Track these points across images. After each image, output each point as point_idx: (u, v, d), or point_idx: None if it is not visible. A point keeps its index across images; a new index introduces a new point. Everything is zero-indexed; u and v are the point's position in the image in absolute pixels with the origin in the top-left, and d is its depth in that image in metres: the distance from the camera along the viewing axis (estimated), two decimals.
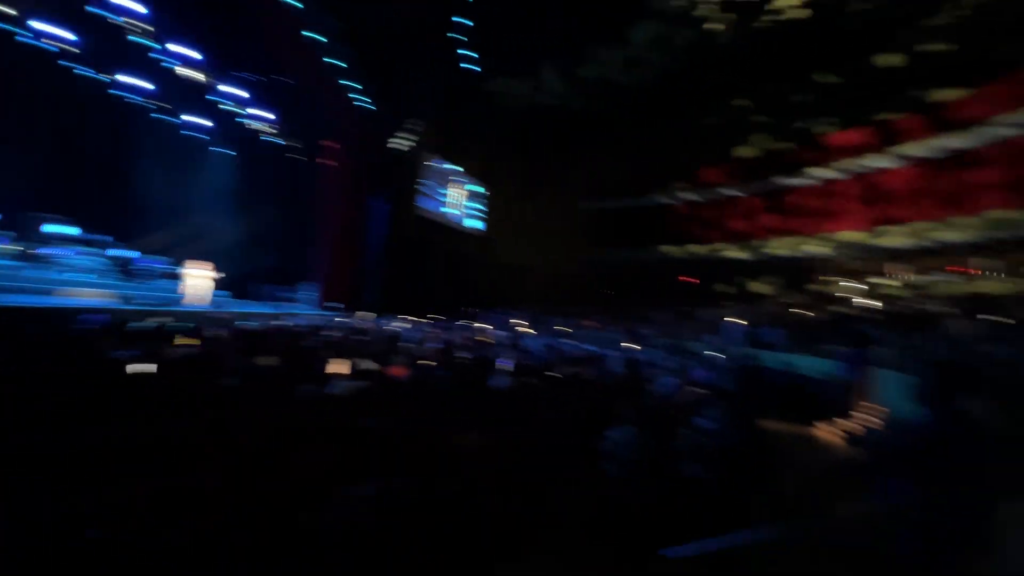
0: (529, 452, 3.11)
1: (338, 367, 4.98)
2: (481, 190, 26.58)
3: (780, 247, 21.68)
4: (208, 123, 15.53)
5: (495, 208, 27.23)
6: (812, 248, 20.54)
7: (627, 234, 27.89)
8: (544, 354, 8.88)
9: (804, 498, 2.01)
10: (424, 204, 22.12)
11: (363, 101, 18.96)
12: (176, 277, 14.21)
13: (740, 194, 23.38)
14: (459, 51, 20.35)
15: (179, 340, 6.27)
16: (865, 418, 7.69)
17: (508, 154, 27.81)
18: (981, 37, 15.33)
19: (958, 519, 1.92)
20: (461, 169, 24.84)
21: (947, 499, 1.94)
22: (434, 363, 6.05)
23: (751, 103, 21.41)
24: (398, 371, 5.11)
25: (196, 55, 13.87)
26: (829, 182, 20.30)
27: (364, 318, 16.09)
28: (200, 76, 14.34)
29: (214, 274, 13.32)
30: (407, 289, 21.16)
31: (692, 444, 4.61)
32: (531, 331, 17.28)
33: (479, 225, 26.70)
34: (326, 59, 16.80)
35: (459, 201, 25.09)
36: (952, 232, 15.98)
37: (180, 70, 14.07)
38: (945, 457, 1.96)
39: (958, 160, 16.30)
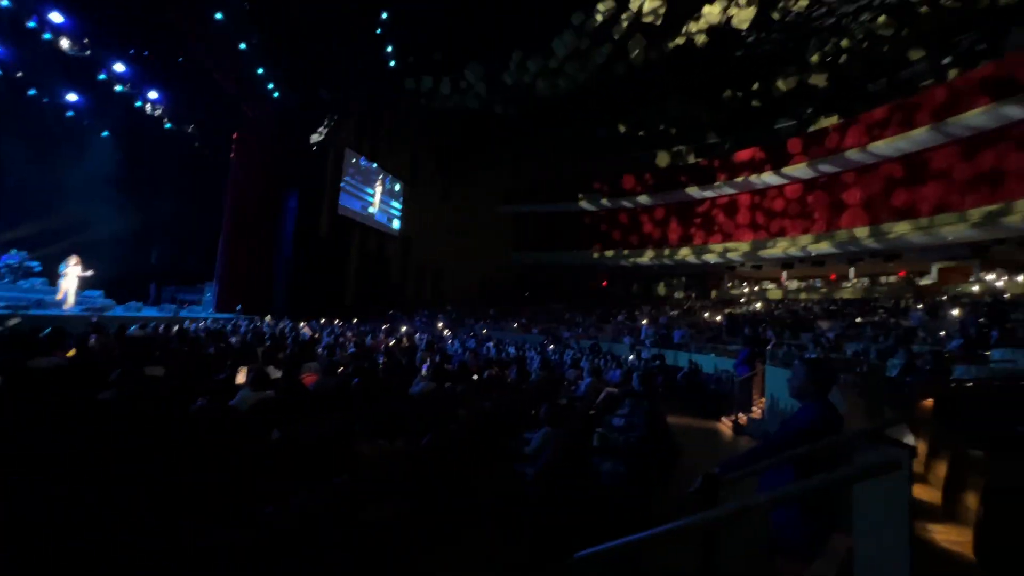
0: (445, 457, 3.05)
1: (240, 376, 4.59)
2: (401, 188, 25.96)
3: (686, 254, 23.35)
4: (92, 103, 13.62)
5: (417, 208, 26.71)
6: (714, 255, 22.34)
7: (546, 237, 28.65)
8: (465, 356, 8.83)
9: (699, 491, 2.14)
10: (343, 202, 21.15)
11: (279, 91, 17.77)
12: (44, 275, 12.38)
13: (651, 203, 24.88)
14: (383, 46, 19.78)
15: (49, 347, 5.45)
16: (755, 410, 8.48)
17: (431, 154, 27.48)
18: (856, 72, 17.62)
19: (828, 501, 2.16)
20: (380, 167, 24.07)
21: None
22: (349, 368, 5.78)
23: (660, 119, 22.93)
24: (309, 378, 4.81)
25: (74, 24, 12.13)
26: (729, 195, 22.23)
27: (273, 321, 15.05)
28: (80, 48, 12.57)
29: (89, 272, 11.71)
30: (321, 290, 20.11)
31: (605, 442, 4.82)
32: (452, 333, 17.14)
33: (400, 225, 26.02)
34: (240, 45, 15.55)
35: (380, 200, 24.29)
36: (828, 244, 18.14)
37: (57, 41, 12.23)
38: (815, 444, 2.19)
39: (833, 180, 18.58)
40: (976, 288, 14.81)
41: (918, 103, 15.55)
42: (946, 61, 15.76)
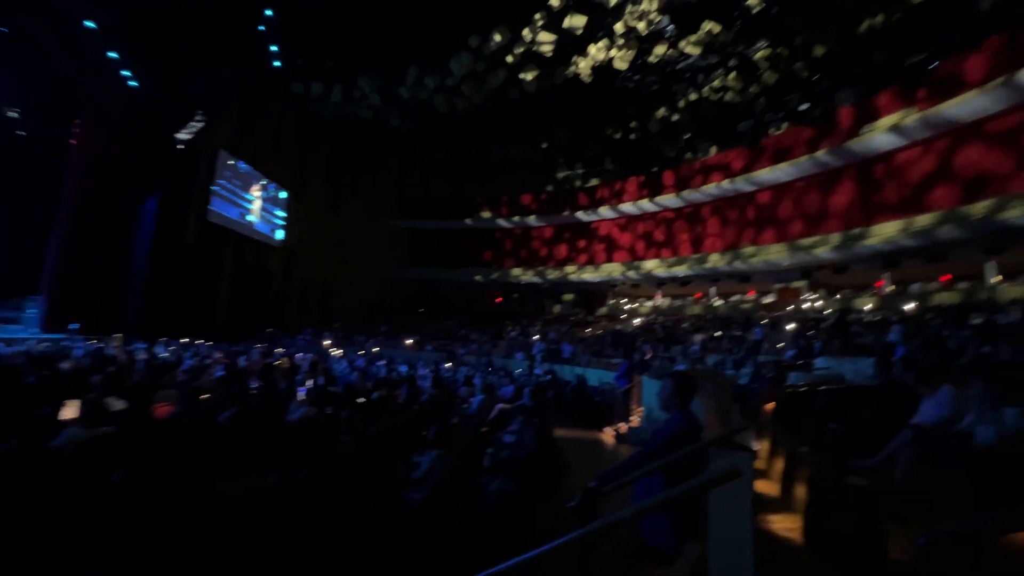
0: (323, 491, 2.85)
1: (70, 410, 3.87)
2: (286, 196, 24.15)
3: (574, 272, 24.72)
4: None
5: (304, 218, 25.02)
6: (598, 274, 23.93)
7: (442, 254, 28.55)
8: (353, 377, 8.38)
9: (579, 506, 2.23)
10: (215, 207, 19.09)
11: (137, 80, 15.67)
12: None
13: (543, 223, 26.03)
14: (266, 45, 18.48)
15: None
16: (633, 419, 9.14)
17: (320, 162, 26.04)
18: (715, 116, 20.20)
19: (691, 507, 2.38)
20: (262, 172, 22.23)
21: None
22: (216, 396, 5.18)
23: (551, 144, 24.25)
24: (163, 409, 4.20)
25: None
26: (612, 219, 24.06)
27: (119, 342, 12.99)
28: None
29: None
30: (186, 306, 17.84)
31: (496, 460, 4.85)
32: (340, 352, 16.20)
33: (284, 235, 24.14)
34: (87, 23, 13.46)
35: (261, 207, 22.34)
36: (689, 266, 20.40)
37: None
38: (679, 452, 2.42)
39: (697, 210, 21.02)
40: (805, 306, 17.59)
41: (763, 147, 18.30)
42: (779, 116, 18.78)
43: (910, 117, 13.58)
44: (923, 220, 13.52)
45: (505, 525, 3.24)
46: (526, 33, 16.01)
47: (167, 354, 10.29)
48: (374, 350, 17.94)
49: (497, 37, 15.91)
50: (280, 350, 14.81)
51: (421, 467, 3.69)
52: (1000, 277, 13.80)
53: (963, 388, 3.60)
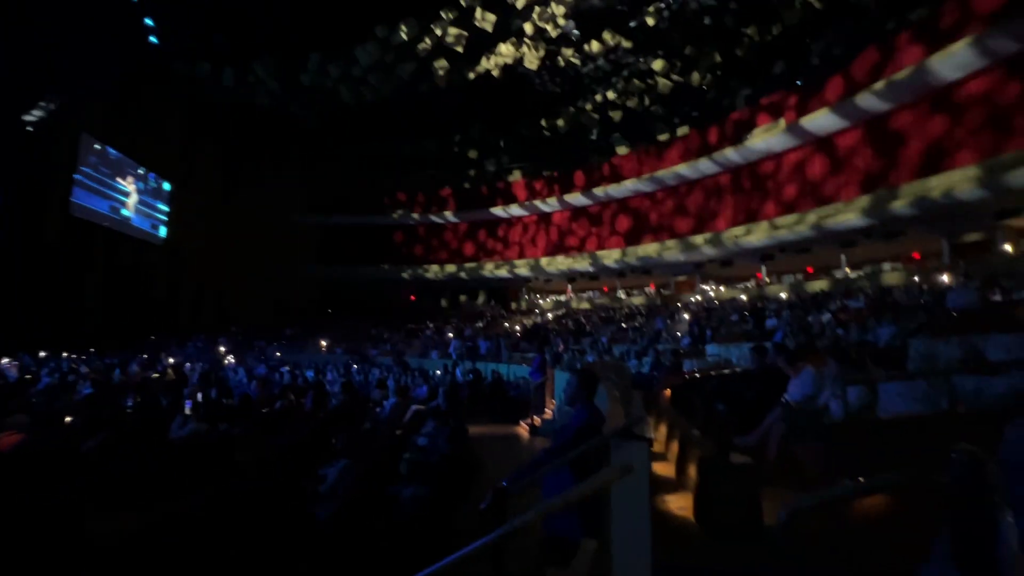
0: (215, 519, 2.61)
1: None
2: (169, 189, 21.69)
3: (489, 268, 24.90)
4: None
5: (192, 213, 22.64)
6: (512, 270, 24.32)
7: (353, 251, 27.32)
8: (251, 387, 7.75)
9: (489, 507, 2.26)
10: (80, 200, 16.63)
11: None
12: None
13: (457, 219, 25.90)
14: (141, 18, 16.43)
15: None
16: (547, 412, 9.43)
17: (211, 151, 23.70)
18: (617, 120, 21.26)
19: (595, 501, 2.50)
20: (138, 160, 19.77)
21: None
22: (80, 419, 4.53)
23: (464, 141, 24.14)
24: (7, 440, 3.57)
25: None
26: (524, 216, 24.54)
27: None
28: None
29: None
30: (46, 313, 15.41)
31: (410, 465, 4.76)
32: (236, 360, 14.95)
33: (167, 232, 21.69)
34: None
35: (137, 200, 19.85)
36: (608, 260, 21.45)
37: None
38: (584, 446, 2.54)
39: (604, 208, 22.10)
40: (699, 297, 19.24)
41: (655, 153, 19.70)
42: (675, 121, 20.28)
43: (778, 128, 15.35)
44: (789, 219, 15.38)
45: (420, 533, 3.19)
46: (436, 28, 15.75)
47: (13, 371, 8.83)
48: (277, 355, 16.78)
49: (405, 29, 15.48)
50: (168, 360, 13.32)
51: (328, 480, 3.51)
52: (848, 269, 16.07)
53: (821, 368, 4.14)
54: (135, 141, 19.31)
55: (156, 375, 9.85)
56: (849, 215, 13.56)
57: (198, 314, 22.77)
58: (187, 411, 5.16)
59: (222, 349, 17.53)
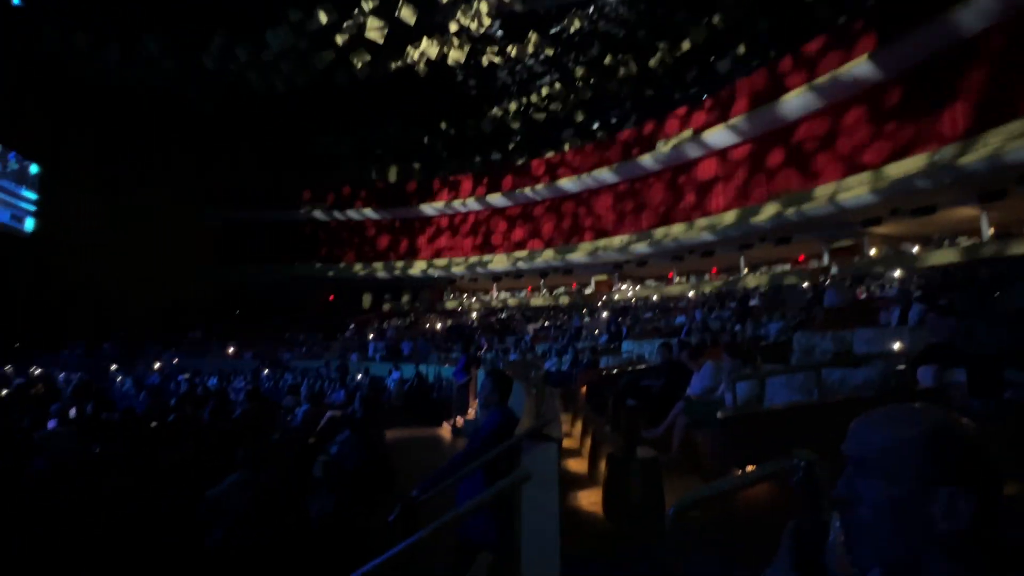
0: (84, 554, 2.28)
1: None
2: (37, 172, 18.87)
3: (412, 267, 24.37)
4: None
5: (66, 204, 19.91)
6: (437, 269, 23.99)
7: (262, 249, 25.50)
8: (139, 399, 6.96)
9: (398, 519, 2.18)
10: None
11: None
12: None
13: (378, 217, 25.07)
14: None
15: None
16: (470, 412, 9.39)
17: (87, 134, 20.94)
18: (541, 121, 21.67)
19: (504, 502, 2.50)
20: None
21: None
22: None
23: (384, 137, 23.42)
24: None
25: None
26: (449, 215, 24.30)
27: None
28: None
29: None
30: None
31: (320, 476, 4.51)
32: (123, 369, 13.40)
33: (33, 225, 18.88)
34: None
35: None
36: (532, 260, 21.80)
37: None
38: (495, 450, 2.53)
39: (528, 208, 22.46)
40: (616, 296, 20.15)
41: (577, 156, 20.39)
42: (595, 126, 21.10)
43: (686, 136, 16.50)
44: (701, 223, 16.58)
45: (326, 547, 3.02)
46: (354, 16, 15.11)
47: None
48: (173, 363, 15.25)
49: (322, 16, 14.68)
50: (36, 371, 11.59)
51: (218, 498, 3.21)
52: (747, 269, 17.61)
53: (720, 362, 4.46)
54: None
55: (18, 388, 8.54)
56: (757, 218, 14.86)
57: (75, 319, 20.06)
58: (49, 430, 4.51)
59: (110, 358, 15.63)
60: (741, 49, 16.85)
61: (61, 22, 15.45)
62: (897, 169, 11.84)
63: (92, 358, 15.62)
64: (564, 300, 21.82)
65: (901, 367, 3.12)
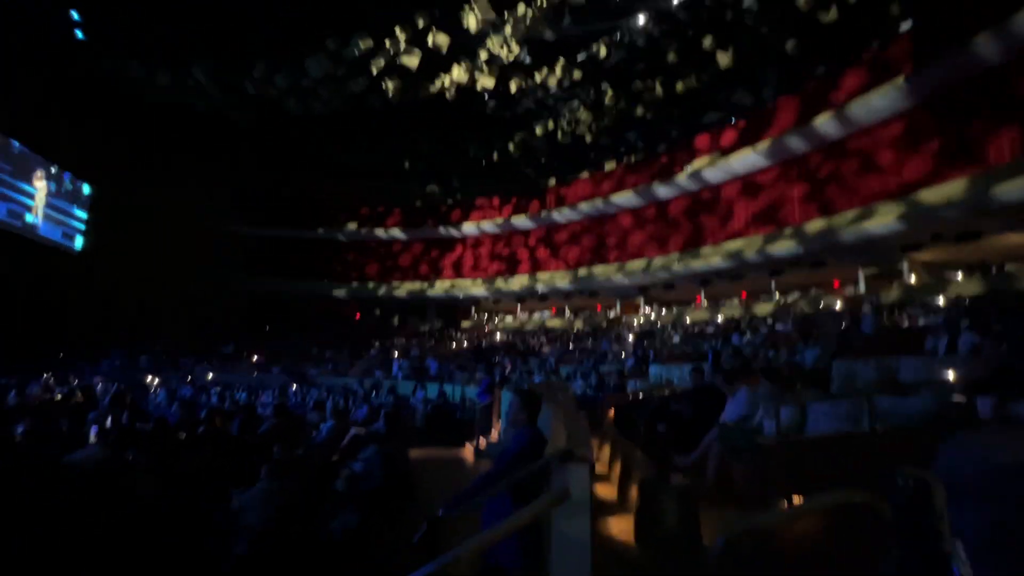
0: (106, 554, 2.29)
1: None
2: (90, 193, 19.91)
3: (437, 287, 24.58)
4: None
5: (110, 219, 20.84)
6: (462, 289, 24.14)
7: (293, 264, 26.14)
8: (171, 411, 7.11)
9: (423, 538, 2.12)
10: None
11: None
12: None
13: (405, 236, 25.50)
14: (64, 9, 15.31)
15: None
16: (494, 433, 9.27)
17: (132, 152, 22.02)
18: (570, 145, 21.84)
19: (537, 527, 2.41)
20: (50, 159, 18.11)
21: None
22: None
23: (414, 157, 23.94)
24: None
25: None
26: (476, 236, 24.54)
27: None
28: None
29: None
30: None
31: (343, 492, 4.48)
32: (159, 380, 13.79)
33: (84, 242, 19.85)
34: None
35: (45, 205, 18.07)
36: (556, 281, 21.74)
37: None
38: (524, 471, 2.46)
39: (553, 230, 22.51)
40: (642, 320, 19.83)
41: (604, 179, 20.41)
42: (622, 151, 21.13)
43: (714, 162, 16.35)
44: (731, 246, 16.27)
45: (348, 565, 2.97)
46: (388, 45, 15.67)
47: None
48: (207, 376, 15.62)
49: (360, 44, 15.29)
50: (76, 381, 12.03)
51: (242, 509, 3.21)
52: (778, 293, 17.14)
53: (755, 388, 4.29)
54: (53, 139, 17.69)
55: (60, 397, 8.86)
56: (784, 244, 14.51)
57: (115, 329, 20.82)
58: (92, 438, 4.63)
59: (145, 369, 16.13)
60: (770, 74, 16.75)
61: (117, 52, 16.51)
62: (933, 195, 11.44)
63: (129, 369, 16.13)
64: (590, 323, 21.60)
65: (958, 397, 2.93)
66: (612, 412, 5.68)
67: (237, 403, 9.38)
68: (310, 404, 9.61)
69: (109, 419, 6.16)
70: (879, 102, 12.36)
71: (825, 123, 13.54)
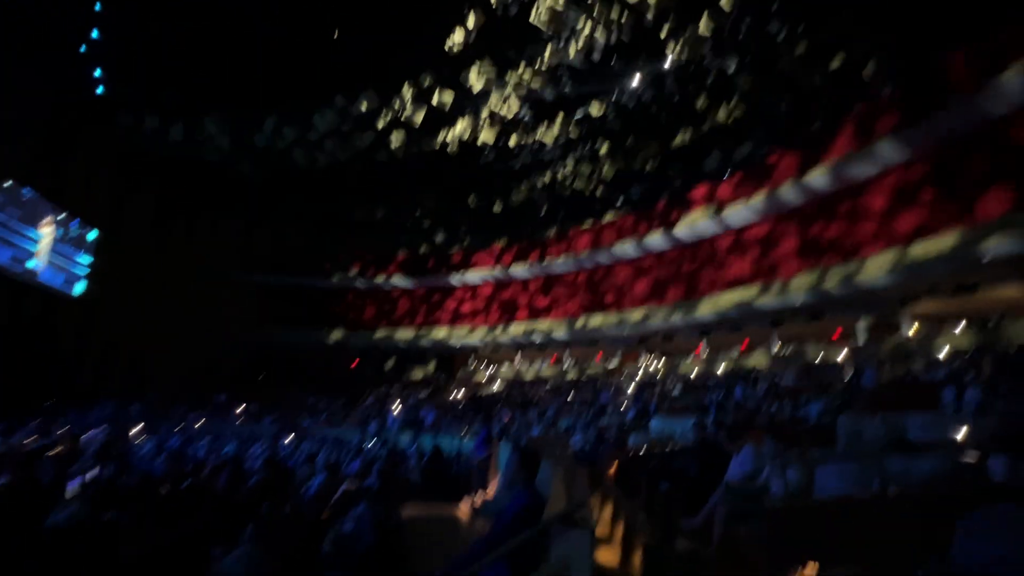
0: None
1: None
2: (95, 238, 20.17)
3: (435, 335, 24.43)
4: None
5: (117, 266, 21.05)
6: (461, 337, 23.98)
7: (291, 313, 26.13)
8: (158, 462, 6.87)
9: None
10: None
11: None
12: None
13: (405, 285, 25.63)
14: (89, 67, 16.13)
15: None
16: (489, 492, 8.92)
17: (145, 202, 22.55)
18: (579, 193, 22.35)
19: None
20: (61, 205, 18.47)
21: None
22: None
23: (415, 209, 24.47)
24: None
25: None
26: (477, 284, 24.67)
27: None
28: None
29: None
30: None
31: (332, 552, 4.26)
32: (149, 429, 13.43)
33: (84, 287, 19.91)
34: None
35: (51, 251, 18.25)
36: (555, 330, 21.63)
37: None
38: (522, 536, 2.34)
39: (552, 279, 22.66)
40: (642, 370, 19.60)
41: (603, 230, 20.79)
42: (619, 202, 21.62)
43: (709, 215, 16.72)
44: (726, 297, 16.34)
45: None
46: (395, 102, 16.38)
47: None
48: (197, 425, 15.23)
49: (365, 103, 15.99)
50: (61, 430, 11.68)
51: (223, 574, 3.04)
52: (780, 344, 17.04)
53: (760, 446, 4.17)
54: (64, 187, 18.13)
55: (44, 446, 8.58)
56: (779, 296, 14.58)
57: (110, 377, 20.51)
58: (69, 493, 4.46)
59: (136, 418, 15.74)
60: (764, 131, 17.42)
61: (135, 106, 17.23)
62: (924, 248, 11.59)
63: (120, 418, 15.73)
64: (589, 372, 21.34)
65: (969, 458, 2.84)
66: (613, 469, 5.50)
67: (226, 456, 9.08)
68: (302, 456, 9.33)
69: (94, 472, 5.96)
70: (869, 158, 12.79)
71: (818, 178, 13.94)
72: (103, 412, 16.61)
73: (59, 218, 18.40)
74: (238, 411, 18.18)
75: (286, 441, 12.56)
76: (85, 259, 19.91)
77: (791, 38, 11.96)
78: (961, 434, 3.35)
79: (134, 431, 13.34)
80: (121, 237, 21.28)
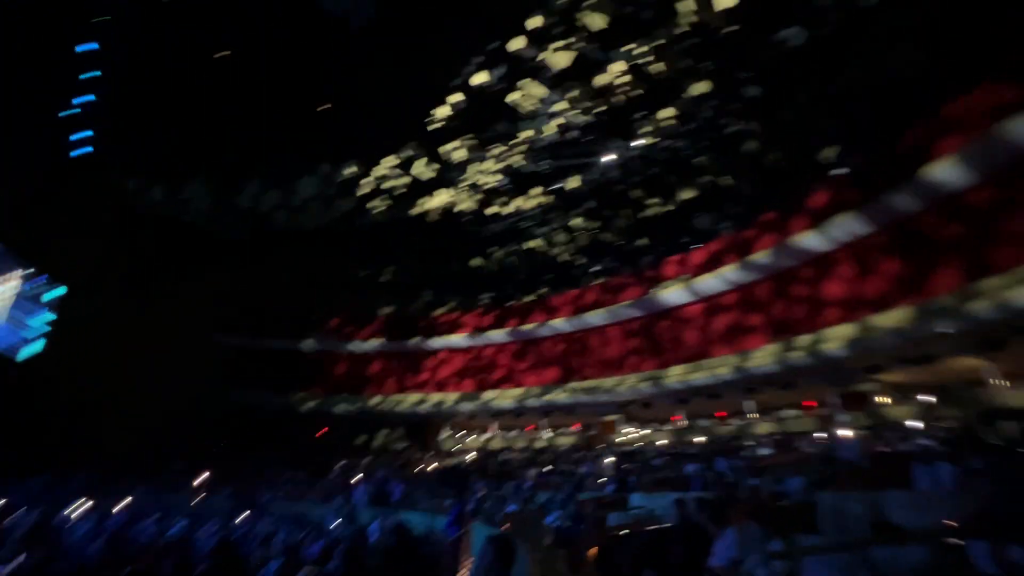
0: None
1: None
2: (57, 295, 19.38)
3: (408, 402, 23.65)
4: None
5: (77, 323, 20.14)
6: (435, 405, 23.26)
7: (256, 376, 25.07)
8: (94, 548, 6.20)
9: None
10: None
11: None
12: None
13: (376, 348, 25.09)
14: (74, 130, 16.33)
15: None
16: (463, 574, 8.30)
17: (120, 261, 22.05)
18: (554, 261, 22.80)
19: None
20: (26, 261, 17.89)
21: None
22: None
23: (395, 272, 24.57)
24: None
25: None
26: (453, 349, 24.31)
27: None
28: None
29: None
30: None
31: None
32: (90, 506, 12.25)
33: (39, 348, 18.87)
34: None
35: (8, 310, 17.44)
36: (532, 397, 21.20)
37: None
38: None
39: (527, 346, 22.54)
40: (621, 438, 19.20)
41: (579, 297, 21.13)
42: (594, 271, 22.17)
43: (683, 283, 17.22)
44: (698, 366, 16.47)
45: None
46: (377, 170, 16.93)
47: None
48: (145, 499, 13.98)
49: (348, 170, 16.49)
50: None
51: None
52: (756, 414, 17.04)
53: (743, 527, 4.04)
54: (36, 239, 17.66)
55: None
56: (744, 364, 14.77)
57: (56, 443, 18.95)
58: None
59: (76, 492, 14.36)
60: (730, 206, 18.45)
61: (119, 167, 17.35)
62: (882, 321, 12.05)
63: (60, 490, 14.36)
64: (567, 441, 20.80)
65: (952, 541, 2.81)
66: (594, 551, 5.22)
67: (173, 537, 8.29)
68: (258, 538, 8.59)
69: (19, 559, 5.36)
70: (824, 235, 13.54)
71: (777, 253, 14.62)
72: (41, 482, 15.19)
73: (25, 273, 17.79)
74: (195, 482, 16.85)
75: (241, 518, 11.58)
76: (45, 317, 19.05)
77: (752, 129, 12.99)
78: (941, 517, 3.33)
79: (72, 507, 12.14)
80: (91, 295, 20.54)
